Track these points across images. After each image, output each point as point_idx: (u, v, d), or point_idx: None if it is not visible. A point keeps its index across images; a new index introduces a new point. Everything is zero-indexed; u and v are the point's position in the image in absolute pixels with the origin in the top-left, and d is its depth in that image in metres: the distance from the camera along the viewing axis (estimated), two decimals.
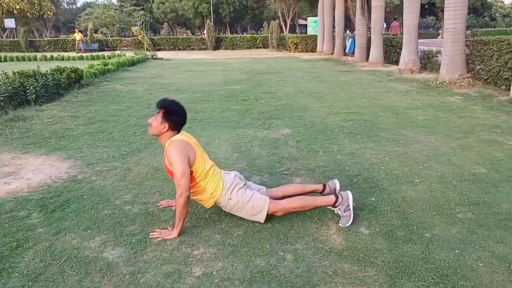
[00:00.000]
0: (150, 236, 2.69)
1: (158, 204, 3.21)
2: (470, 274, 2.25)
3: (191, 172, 2.76)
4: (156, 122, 2.83)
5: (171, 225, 2.84)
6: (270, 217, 2.86)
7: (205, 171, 2.83)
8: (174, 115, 2.87)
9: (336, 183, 3.15)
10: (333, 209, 2.93)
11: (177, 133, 2.88)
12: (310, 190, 3.14)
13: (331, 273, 2.29)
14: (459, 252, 2.47)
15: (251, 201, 2.82)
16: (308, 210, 2.99)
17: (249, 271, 2.31)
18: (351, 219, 2.82)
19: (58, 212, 3.08)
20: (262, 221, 2.84)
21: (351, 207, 2.84)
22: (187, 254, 2.50)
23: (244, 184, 2.95)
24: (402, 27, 20.95)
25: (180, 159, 2.67)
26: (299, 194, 3.06)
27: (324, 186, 3.15)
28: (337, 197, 2.89)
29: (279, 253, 2.50)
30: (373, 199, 3.26)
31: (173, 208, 3.12)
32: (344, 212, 2.85)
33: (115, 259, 2.44)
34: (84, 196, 3.38)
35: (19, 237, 2.70)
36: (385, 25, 29.34)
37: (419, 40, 12.73)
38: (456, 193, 3.36)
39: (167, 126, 2.82)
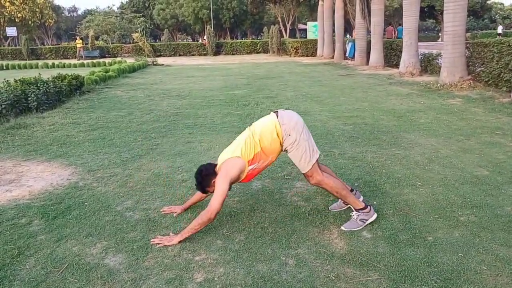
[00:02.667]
0: (151, 243, 2.68)
1: (160, 210, 3.20)
2: (474, 278, 2.24)
3: (250, 161, 2.79)
4: (213, 188, 2.84)
5: (172, 231, 2.83)
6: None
7: (255, 143, 2.81)
8: (206, 177, 2.90)
9: (361, 198, 3.15)
10: (352, 210, 2.91)
11: (216, 166, 2.91)
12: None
13: (333, 277, 2.28)
14: (462, 255, 2.46)
15: (305, 146, 2.81)
16: (338, 197, 2.97)
17: (251, 277, 2.29)
18: (358, 228, 2.81)
19: (59, 219, 3.08)
20: (305, 171, 2.84)
21: (367, 222, 2.85)
22: (188, 260, 2.49)
23: (303, 122, 2.92)
24: (396, 31, 21.01)
25: (223, 179, 2.73)
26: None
27: (352, 190, 3.14)
28: (367, 206, 2.89)
29: (281, 258, 2.48)
30: (375, 202, 3.25)
31: (174, 215, 3.11)
32: (359, 220, 2.84)
33: (116, 266, 2.43)
34: (85, 203, 3.38)
35: (20, 245, 2.70)
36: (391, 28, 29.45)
37: (419, 43, 12.74)
38: (459, 196, 3.34)
39: (213, 181, 2.85)
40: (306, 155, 2.81)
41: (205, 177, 2.89)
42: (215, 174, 2.86)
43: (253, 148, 2.81)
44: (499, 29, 36.95)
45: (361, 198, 3.14)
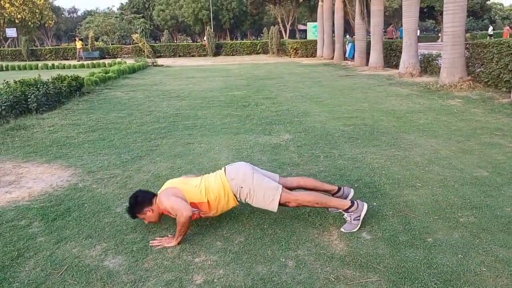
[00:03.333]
0: (150, 244, 2.68)
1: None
2: (474, 279, 2.23)
3: (194, 204, 2.80)
4: (146, 219, 2.90)
5: (172, 232, 2.83)
6: (282, 207, 2.86)
7: (202, 189, 2.85)
8: (141, 204, 2.88)
9: (351, 192, 3.14)
10: (343, 213, 2.90)
11: (155, 196, 2.92)
12: (326, 189, 3.12)
13: (333, 279, 2.27)
14: (462, 256, 2.46)
15: (262, 190, 2.81)
16: (323, 207, 2.96)
17: (250, 278, 2.29)
18: (357, 228, 2.81)
19: (59, 220, 3.08)
20: (275, 211, 2.84)
21: (361, 218, 2.83)
22: (188, 261, 2.49)
23: (252, 169, 2.93)
24: (396, 30, 21.02)
25: (167, 199, 2.77)
26: (314, 190, 3.05)
27: (339, 189, 3.13)
28: (353, 203, 2.87)
29: (281, 259, 2.48)
30: (374, 204, 3.25)
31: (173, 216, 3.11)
32: (353, 220, 2.83)
33: (116, 268, 2.43)
34: (85, 204, 3.38)
35: (20, 246, 2.70)
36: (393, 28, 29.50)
37: (419, 44, 12.74)
38: (458, 197, 3.34)
39: (150, 209, 2.87)
40: (268, 197, 2.82)
41: (139, 203, 2.87)
42: (150, 203, 2.86)
43: (199, 197, 2.83)
44: (490, 30, 36.93)
45: (352, 193, 3.13)
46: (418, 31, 12.46)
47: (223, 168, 3.00)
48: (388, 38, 22.43)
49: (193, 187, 2.88)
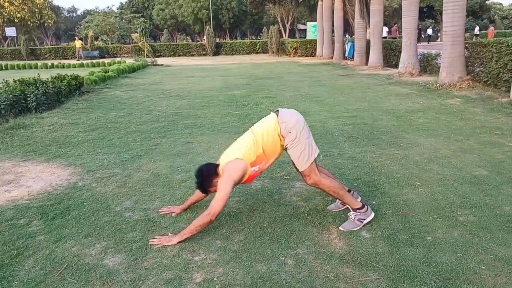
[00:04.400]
0: (149, 243, 2.68)
1: (159, 211, 3.20)
2: (473, 277, 2.24)
3: (253, 163, 2.79)
4: (216, 188, 2.82)
5: (172, 231, 2.83)
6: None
7: (257, 145, 2.81)
8: (207, 178, 2.87)
9: (359, 198, 3.14)
10: (350, 211, 2.90)
11: (218, 166, 2.88)
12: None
13: (332, 277, 2.28)
14: (461, 255, 2.46)
15: (305, 144, 2.81)
16: (337, 198, 2.97)
17: (250, 277, 2.29)
18: (357, 228, 2.81)
19: (58, 219, 3.08)
20: (302, 170, 2.84)
21: (365, 222, 2.85)
22: (187, 260, 2.49)
23: (304, 121, 2.91)
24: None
25: (225, 182, 2.72)
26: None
27: (349, 191, 3.13)
28: (363, 205, 2.88)
29: (280, 258, 2.48)
30: (374, 202, 3.25)
31: (173, 215, 3.11)
32: (356, 220, 2.84)
33: (115, 266, 2.43)
34: (85, 203, 3.38)
35: (19, 245, 2.69)
36: (386, 29, 29.53)
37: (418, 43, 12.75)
38: (458, 196, 3.34)
39: (216, 181, 2.83)
40: (305, 153, 2.81)
41: (206, 177, 2.87)
42: (216, 174, 2.85)
43: (255, 150, 2.81)
44: (476, 30, 36.79)
45: (359, 199, 3.14)
46: (430, 30, 12.38)
47: (273, 113, 2.95)
48: (393, 38, 22.45)
49: (248, 146, 2.82)
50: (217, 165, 2.91)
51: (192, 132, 5.89)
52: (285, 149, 2.90)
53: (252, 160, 2.80)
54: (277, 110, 2.95)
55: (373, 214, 2.90)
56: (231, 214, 3.10)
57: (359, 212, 2.86)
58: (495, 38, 9.14)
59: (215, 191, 2.83)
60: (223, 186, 2.72)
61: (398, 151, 4.65)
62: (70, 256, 2.55)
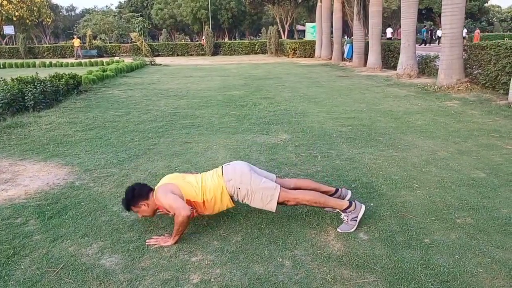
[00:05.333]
0: (146, 243, 2.67)
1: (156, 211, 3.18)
2: (471, 280, 2.24)
3: (189, 202, 2.78)
4: (140, 212, 2.89)
5: (168, 231, 2.83)
6: (281, 206, 2.86)
7: (199, 188, 2.83)
8: (137, 197, 2.87)
9: (349, 193, 3.14)
10: (341, 213, 2.90)
11: (152, 191, 2.91)
12: (323, 190, 3.10)
13: (330, 279, 2.27)
14: (459, 257, 2.46)
15: (260, 190, 2.79)
16: (321, 207, 2.95)
17: (247, 278, 2.29)
18: (353, 229, 2.81)
19: (55, 219, 3.07)
20: (274, 210, 2.83)
21: (358, 219, 2.83)
22: (184, 261, 2.48)
23: (249, 169, 2.91)
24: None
25: (164, 196, 2.73)
26: (311, 190, 3.03)
27: (337, 190, 3.13)
28: (351, 203, 2.87)
29: (278, 259, 2.48)
30: (372, 204, 3.25)
31: (170, 215, 3.09)
32: (350, 220, 2.83)
33: (112, 266, 2.42)
34: (82, 203, 3.37)
35: (16, 245, 2.68)
36: (391, 30, 29.58)
37: (417, 45, 12.78)
38: (455, 198, 3.34)
39: (145, 203, 2.85)
40: (266, 195, 2.80)
41: (136, 196, 2.86)
42: (146, 197, 2.85)
43: (194, 195, 2.81)
44: (464, 33, 36.84)
45: (349, 194, 3.12)
46: (441, 31, 12.29)
47: (220, 167, 2.98)
48: (398, 39, 22.45)
49: (190, 185, 2.86)
50: (151, 189, 2.93)
51: (190, 132, 5.88)
52: (242, 202, 2.90)
53: (188, 198, 2.80)
54: (222, 167, 2.97)
55: (363, 207, 2.87)
56: (229, 215, 3.09)
57: (349, 212, 2.85)
58: (494, 41, 9.15)
59: (137, 212, 2.88)
60: (164, 197, 2.72)
61: (396, 153, 4.66)
62: (67, 256, 2.54)
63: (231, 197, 2.87)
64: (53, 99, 8.37)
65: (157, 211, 2.94)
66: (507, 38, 9.67)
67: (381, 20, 15.39)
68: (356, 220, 2.83)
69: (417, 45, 12.90)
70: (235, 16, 50.37)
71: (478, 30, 34.61)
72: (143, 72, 17.01)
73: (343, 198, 3.07)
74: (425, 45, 30.27)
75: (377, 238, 2.71)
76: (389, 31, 28.80)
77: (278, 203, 2.82)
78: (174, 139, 5.48)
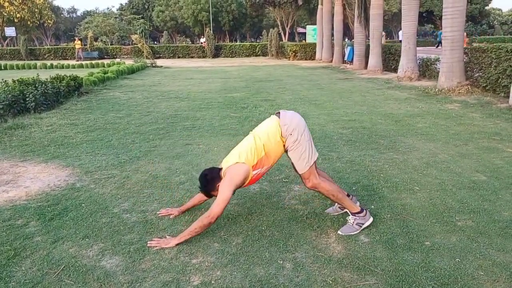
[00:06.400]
0: (147, 245, 2.67)
1: (157, 213, 3.19)
2: (471, 283, 2.23)
3: (255, 166, 2.80)
4: (218, 193, 2.82)
5: (169, 233, 2.83)
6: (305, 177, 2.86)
7: (261, 146, 2.81)
8: (211, 181, 2.88)
9: (357, 203, 3.12)
10: (349, 214, 2.91)
11: (221, 170, 2.90)
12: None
13: (331, 281, 2.27)
14: (459, 260, 2.46)
15: (305, 146, 2.81)
16: (336, 201, 2.97)
17: (248, 280, 2.29)
18: (355, 233, 2.81)
19: (56, 220, 3.07)
20: (301, 172, 2.84)
21: (363, 226, 2.85)
22: (185, 263, 2.48)
23: (305, 123, 2.92)
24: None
25: (226, 186, 2.73)
26: None
27: (348, 195, 3.13)
28: (362, 210, 2.89)
29: (278, 261, 2.48)
30: (372, 207, 3.25)
31: (171, 217, 3.10)
32: (355, 224, 2.84)
33: (113, 268, 2.42)
34: (83, 204, 3.37)
35: (17, 246, 2.68)
36: (402, 33, 29.57)
37: (417, 48, 12.78)
38: (456, 201, 3.34)
39: (218, 185, 2.84)
40: (305, 155, 2.82)
41: (210, 180, 2.88)
42: (219, 178, 2.86)
43: (257, 153, 2.81)
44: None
45: (358, 204, 3.13)
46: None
47: (274, 115, 2.97)
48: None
49: (250, 150, 2.82)
50: (220, 169, 2.92)
51: (191, 134, 5.88)
52: (286, 151, 2.90)
53: (254, 163, 2.80)
54: (278, 112, 2.95)
55: (371, 219, 2.90)
56: (229, 217, 3.09)
57: (358, 217, 2.86)
58: (495, 44, 9.16)
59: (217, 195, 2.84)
60: (224, 190, 2.72)
61: (397, 156, 4.66)
62: (68, 258, 2.54)
63: (283, 140, 2.86)
64: (54, 101, 8.38)
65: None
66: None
67: (382, 23, 15.42)
68: (360, 226, 2.84)
69: (433, 48, 12.88)
70: (236, 19, 50.47)
71: (465, 34, 34.65)
72: (144, 74, 17.03)
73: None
74: (442, 47, 30.24)
75: (377, 241, 2.71)
76: (401, 33, 28.81)
77: (301, 174, 2.85)
78: (175, 141, 5.48)
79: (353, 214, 2.87)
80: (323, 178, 2.96)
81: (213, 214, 2.66)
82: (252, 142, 2.86)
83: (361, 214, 2.86)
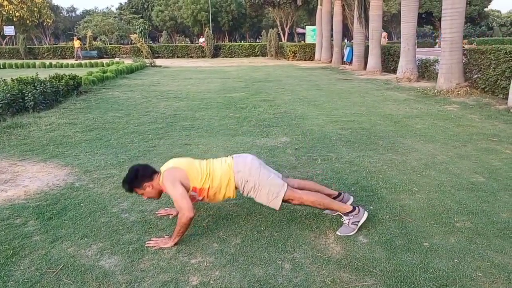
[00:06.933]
0: (146, 245, 2.67)
1: (156, 213, 3.19)
2: (470, 284, 2.24)
3: (200, 189, 2.79)
4: (145, 194, 2.87)
5: (168, 233, 2.83)
6: (284, 203, 2.85)
7: (205, 175, 2.82)
8: (139, 178, 2.84)
9: (351, 199, 3.14)
10: (342, 216, 2.90)
11: (157, 174, 2.89)
12: (326, 193, 3.10)
13: (329, 282, 2.27)
14: (458, 261, 2.46)
15: (268, 185, 2.79)
16: (323, 208, 2.95)
17: (246, 281, 2.29)
18: (353, 233, 2.81)
19: (54, 220, 3.06)
20: (277, 208, 2.83)
21: (359, 224, 2.84)
22: (184, 263, 2.48)
23: (259, 163, 2.91)
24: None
25: (172, 187, 2.70)
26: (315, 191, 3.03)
27: (339, 194, 3.13)
28: (354, 208, 2.88)
29: (277, 262, 2.48)
30: (371, 207, 3.25)
31: (170, 217, 3.10)
32: (351, 224, 2.84)
33: (111, 268, 2.42)
34: (81, 204, 3.36)
35: (15, 245, 2.68)
36: (385, 34, 29.56)
37: (416, 49, 12.81)
38: (455, 202, 3.35)
39: (150, 185, 2.83)
40: (272, 192, 2.80)
41: (140, 177, 2.83)
42: (151, 179, 2.83)
43: (200, 180, 2.80)
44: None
45: (351, 200, 3.12)
46: None
47: (230, 157, 2.97)
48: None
49: (197, 171, 2.83)
50: (155, 171, 2.90)
51: (190, 134, 5.88)
52: (247, 196, 2.90)
53: (193, 185, 2.80)
54: (233, 157, 2.96)
55: (366, 214, 2.88)
56: (228, 217, 3.09)
57: (351, 216, 2.85)
58: (494, 45, 9.18)
59: (141, 194, 2.86)
60: (172, 189, 2.70)
61: (396, 157, 4.66)
62: (66, 257, 2.54)
63: (236, 188, 2.87)
64: (53, 100, 8.37)
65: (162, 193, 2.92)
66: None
67: (381, 24, 15.45)
68: (357, 225, 2.83)
69: (439, 48, 12.90)
70: (236, 19, 50.48)
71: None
72: (143, 74, 17.02)
73: (345, 202, 3.07)
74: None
75: (376, 242, 2.71)
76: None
77: (283, 201, 2.82)
78: (173, 140, 5.48)
79: (346, 214, 2.87)
80: (303, 190, 2.93)
81: (184, 211, 2.62)
82: (202, 166, 2.88)
83: (354, 213, 2.85)
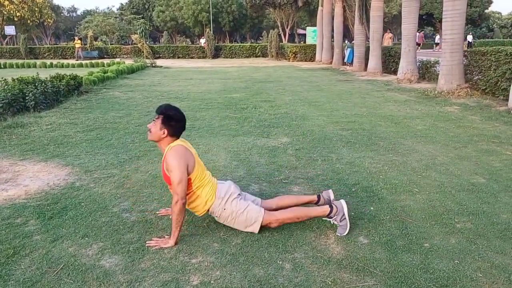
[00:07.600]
0: (147, 245, 2.67)
1: (157, 212, 3.19)
2: (470, 285, 2.24)
3: (189, 180, 2.75)
4: (156, 128, 2.81)
5: (169, 233, 2.82)
6: (265, 228, 2.84)
7: (202, 179, 2.82)
8: (174, 121, 2.85)
9: (330, 193, 3.13)
10: (329, 219, 2.90)
11: (176, 139, 2.86)
12: (305, 201, 3.12)
13: (330, 282, 2.27)
14: (458, 262, 2.46)
15: (245, 212, 2.79)
16: (306, 220, 2.96)
17: (247, 280, 2.29)
18: (348, 228, 2.81)
19: (55, 219, 3.07)
20: (256, 232, 2.82)
21: (346, 216, 2.82)
22: (185, 262, 2.48)
23: (238, 194, 2.92)
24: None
25: (178, 166, 2.66)
26: (294, 205, 3.04)
27: (319, 197, 3.13)
28: (331, 207, 2.87)
29: (278, 262, 2.48)
30: (372, 208, 3.25)
31: (170, 217, 3.10)
32: (341, 221, 2.83)
33: (112, 267, 2.42)
34: (82, 204, 3.37)
35: (16, 244, 2.68)
36: (391, 35, 29.51)
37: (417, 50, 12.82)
38: (455, 203, 3.35)
39: (166, 132, 2.81)
40: (250, 219, 2.80)
41: (173, 121, 2.83)
42: (172, 131, 2.81)
43: (198, 180, 2.79)
44: (469, 38, 36.46)
45: (331, 193, 3.11)
46: (470, 36, 12.22)
47: (215, 179, 2.98)
48: (417, 44, 22.42)
49: (202, 170, 2.83)
50: (179, 135, 2.89)
51: (191, 134, 5.88)
52: (222, 223, 2.89)
53: (192, 179, 2.77)
54: (217, 183, 2.94)
55: (343, 202, 2.86)
56: None
57: (334, 215, 2.85)
58: (494, 47, 9.18)
59: (151, 127, 2.80)
60: (177, 167, 2.64)
61: (396, 157, 4.66)
62: (67, 256, 2.54)
63: (207, 211, 2.86)
64: (54, 100, 8.38)
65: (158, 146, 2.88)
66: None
67: (382, 25, 15.45)
68: (345, 219, 2.82)
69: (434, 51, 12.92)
70: (236, 19, 50.50)
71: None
72: (144, 74, 17.03)
73: (329, 200, 3.06)
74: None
75: (377, 242, 2.71)
76: (417, 35, 28.75)
77: (262, 226, 2.81)
78: None
79: (329, 216, 2.87)
80: (279, 211, 2.91)
81: (178, 197, 2.61)
82: (206, 174, 2.87)
83: (334, 211, 2.84)
